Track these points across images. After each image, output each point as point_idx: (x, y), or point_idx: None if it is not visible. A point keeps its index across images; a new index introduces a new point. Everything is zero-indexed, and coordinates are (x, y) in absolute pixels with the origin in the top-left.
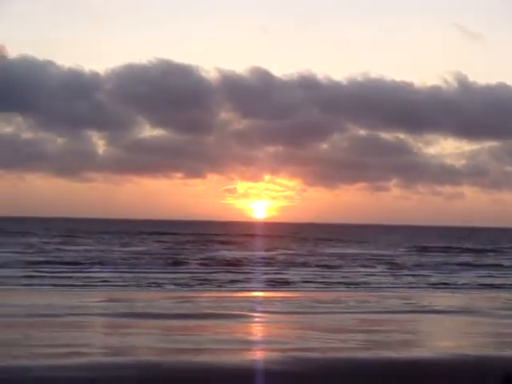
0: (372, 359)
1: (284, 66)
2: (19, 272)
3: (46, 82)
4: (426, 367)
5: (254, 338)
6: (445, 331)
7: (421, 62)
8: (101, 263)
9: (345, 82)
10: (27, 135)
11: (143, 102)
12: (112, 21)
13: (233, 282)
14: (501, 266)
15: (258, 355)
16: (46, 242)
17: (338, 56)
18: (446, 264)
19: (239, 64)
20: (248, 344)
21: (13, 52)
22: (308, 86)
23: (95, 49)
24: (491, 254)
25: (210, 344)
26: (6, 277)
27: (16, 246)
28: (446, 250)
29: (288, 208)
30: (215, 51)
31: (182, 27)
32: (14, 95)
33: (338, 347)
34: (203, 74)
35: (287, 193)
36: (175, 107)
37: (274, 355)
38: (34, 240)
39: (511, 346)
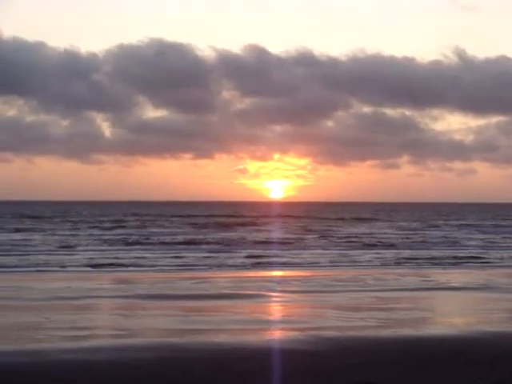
0: (392, 337)
1: (277, 43)
2: (38, 257)
3: (44, 64)
4: (447, 344)
5: (272, 317)
6: (464, 307)
7: (416, 37)
8: (113, 245)
9: (343, 59)
10: (30, 118)
11: (144, 83)
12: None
13: (251, 262)
14: None
15: (276, 335)
16: (61, 227)
17: (332, 31)
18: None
19: (231, 41)
20: (267, 324)
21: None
22: (307, 63)
23: (85, 30)
24: None
25: (229, 324)
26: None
27: (33, 231)
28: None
29: (302, 187)
30: (207, 28)
31: (170, 3)
32: (12, 78)
33: (357, 326)
34: (199, 53)
35: (299, 172)
36: (176, 87)
37: (293, 334)
38: (48, 225)
39: None
